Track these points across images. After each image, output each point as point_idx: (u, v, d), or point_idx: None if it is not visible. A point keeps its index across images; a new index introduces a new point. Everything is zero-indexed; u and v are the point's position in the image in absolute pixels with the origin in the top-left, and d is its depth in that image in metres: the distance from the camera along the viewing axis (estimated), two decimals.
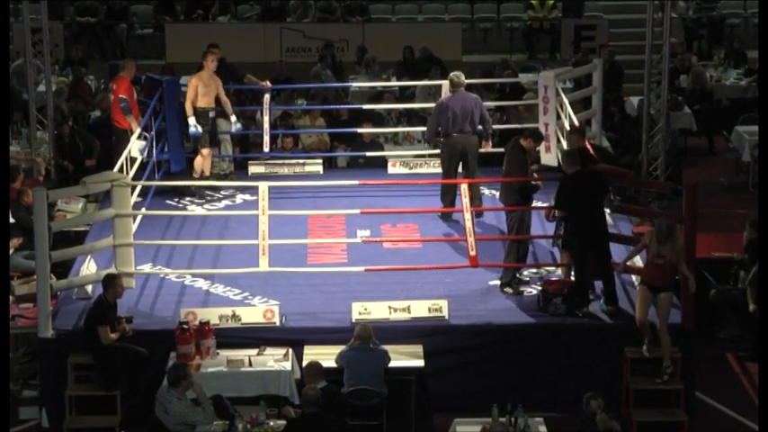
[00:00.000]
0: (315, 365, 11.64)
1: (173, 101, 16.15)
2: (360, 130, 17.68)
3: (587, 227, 12.77)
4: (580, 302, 12.83)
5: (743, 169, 19.36)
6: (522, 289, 13.39)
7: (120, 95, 15.96)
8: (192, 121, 15.84)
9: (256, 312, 12.71)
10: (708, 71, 21.92)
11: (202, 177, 16.10)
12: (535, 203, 14.11)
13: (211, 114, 16.04)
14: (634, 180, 15.25)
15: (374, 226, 14.92)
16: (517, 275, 13.57)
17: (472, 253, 13.01)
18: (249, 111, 18.33)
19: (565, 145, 15.22)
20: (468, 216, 13.30)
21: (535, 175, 14.10)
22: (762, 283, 12.80)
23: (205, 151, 16.09)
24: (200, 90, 15.88)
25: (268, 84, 17.28)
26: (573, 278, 13.19)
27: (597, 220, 12.87)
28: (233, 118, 16.29)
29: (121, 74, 16.25)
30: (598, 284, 13.10)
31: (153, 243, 14.23)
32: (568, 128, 15.37)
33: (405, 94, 20.71)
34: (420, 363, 12.38)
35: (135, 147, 15.12)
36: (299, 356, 12.40)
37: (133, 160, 14.80)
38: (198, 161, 16.14)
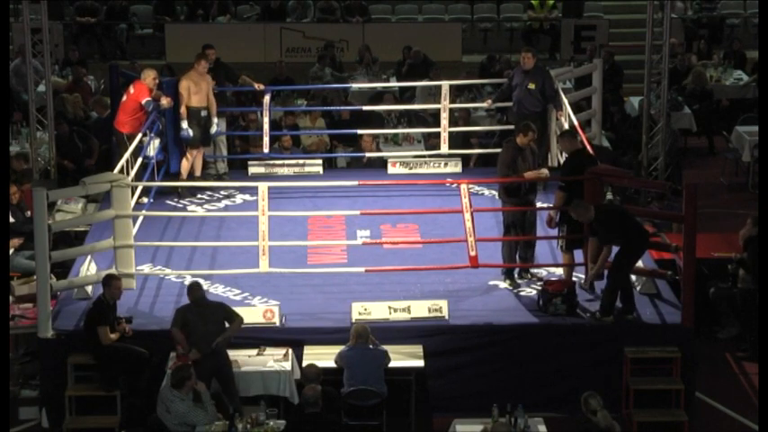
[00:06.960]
0: (312, 371, 11.63)
1: (172, 101, 16.12)
2: (360, 132, 17.64)
3: (637, 238, 12.59)
4: (606, 310, 12.67)
5: (743, 169, 19.36)
6: (519, 282, 13.41)
7: (146, 99, 15.72)
8: (184, 124, 15.84)
9: (256, 312, 12.69)
10: (708, 71, 21.91)
11: (192, 177, 16.10)
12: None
13: (203, 114, 16.01)
14: (634, 180, 15.24)
15: (374, 226, 14.90)
16: (522, 272, 13.62)
17: (472, 253, 12.99)
18: (249, 112, 18.30)
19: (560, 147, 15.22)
20: (468, 216, 13.28)
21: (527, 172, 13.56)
22: (762, 282, 12.79)
23: (193, 153, 16.10)
24: (192, 89, 15.90)
25: (261, 86, 17.26)
26: (573, 279, 13.24)
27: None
28: (215, 120, 16.22)
29: (142, 80, 15.96)
30: (599, 285, 13.09)
31: (153, 244, 14.21)
32: (558, 132, 15.36)
33: (405, 96, 20.70)
34: (420, 363, 12.36)
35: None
36: (298, 356, 12.39)
37: (133, 161, 14.79)
38: (184, 163, 16.14)
